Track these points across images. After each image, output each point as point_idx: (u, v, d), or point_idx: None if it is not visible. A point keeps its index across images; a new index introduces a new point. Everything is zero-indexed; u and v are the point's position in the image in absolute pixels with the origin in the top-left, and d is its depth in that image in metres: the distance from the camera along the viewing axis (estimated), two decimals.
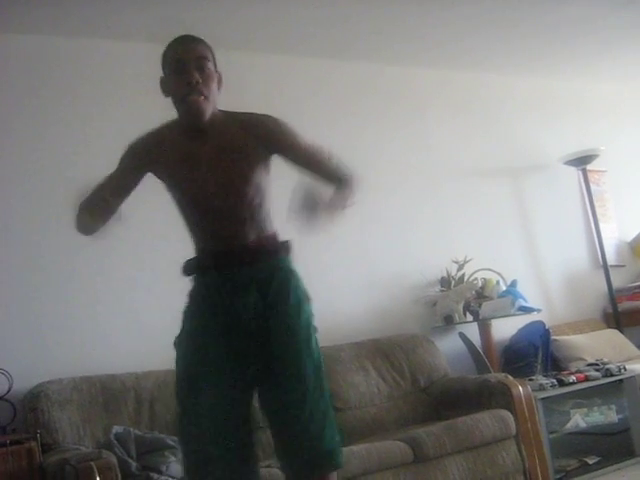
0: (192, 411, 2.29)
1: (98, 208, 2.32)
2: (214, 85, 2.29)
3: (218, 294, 2.31)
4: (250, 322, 2.28)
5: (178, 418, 2.37)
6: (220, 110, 2.34)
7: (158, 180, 2.41)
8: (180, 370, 2.38)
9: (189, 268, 2.42)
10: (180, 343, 2.42)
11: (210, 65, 2.29)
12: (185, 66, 2.25)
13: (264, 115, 2.35)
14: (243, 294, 2.28)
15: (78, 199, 2.33)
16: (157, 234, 4.20)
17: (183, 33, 2.35)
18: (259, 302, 2.28)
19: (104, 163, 4.18)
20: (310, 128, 5.09)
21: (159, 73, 4.63)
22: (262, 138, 2.30)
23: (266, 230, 2.36)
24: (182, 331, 2.43)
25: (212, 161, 2.27)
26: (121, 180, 2.38)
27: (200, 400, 2.28)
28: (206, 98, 2.25)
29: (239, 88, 4.76)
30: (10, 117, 4.06)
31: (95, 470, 2.93)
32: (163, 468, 3.35)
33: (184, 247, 3.92)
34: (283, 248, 2.38)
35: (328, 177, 2.39)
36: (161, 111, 4.42)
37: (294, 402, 2.26)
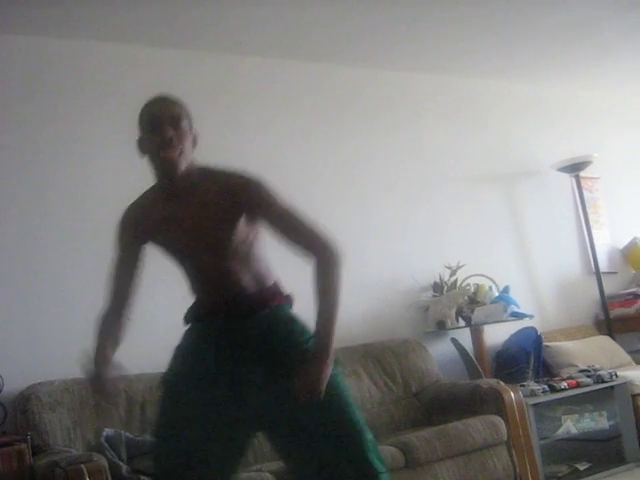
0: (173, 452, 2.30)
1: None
2: (188, 143, 2.29)
3: (215, 343, 2.32)
4: (251, 369, 2.27)
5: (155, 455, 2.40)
6: (198, 167, 2.33)
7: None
8: (168, 410, 2.39)
9: (189, 316, 2.44)
10: (172, 382, 2.42)
11: (184, 124, 2.29)
12: (160, 123, 2.25)
13: (243, 178, 2.30)
14: (240, 344, 2.29)
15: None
16: None
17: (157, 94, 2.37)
18: (258, 351, 2.28)
19: (101, 164, 4.23)
20: (304, 132, 5.13)
21: (159, 75, 4.65)
22: (238, 197, 2.27)
23: (263, 282, 2.36)
24: (173, 369, 2.44)
25: (188, 220, 2.28)
26: (129, 265, 2.43)
27: (187, 445, 2.27)
28: (180, 153, 2.25)
29: (234, 91, 4.79)
30: (7, 117, 4.06)
31: (85, 473, 2.93)
32: None
33: None
34: (282, 298, 2.38)
35: (305, 247, 2.31)
36: None
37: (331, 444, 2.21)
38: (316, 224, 2.33)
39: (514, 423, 4.13)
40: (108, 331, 2.47)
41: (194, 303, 2.43)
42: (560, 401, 4.63)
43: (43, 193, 4.07)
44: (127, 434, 3.52)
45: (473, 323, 4.99)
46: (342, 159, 5.09)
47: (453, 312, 5.01)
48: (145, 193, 2.42)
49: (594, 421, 4.72)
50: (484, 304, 5.07)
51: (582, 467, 4.57)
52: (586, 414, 4.72)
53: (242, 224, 2.29)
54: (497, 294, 5.18)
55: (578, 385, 4.64)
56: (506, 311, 4.99)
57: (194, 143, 2.34)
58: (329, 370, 2.18)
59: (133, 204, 2.44)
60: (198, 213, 2.28)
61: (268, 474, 3.19)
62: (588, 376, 4.75)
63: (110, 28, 4.26)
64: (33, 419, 3.50)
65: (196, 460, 2.25)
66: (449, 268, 5.16)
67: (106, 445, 3.39)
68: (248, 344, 2.28)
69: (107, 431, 3.49)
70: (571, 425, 4.64)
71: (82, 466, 2.96)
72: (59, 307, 3.98)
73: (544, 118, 6.20)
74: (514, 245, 5.81)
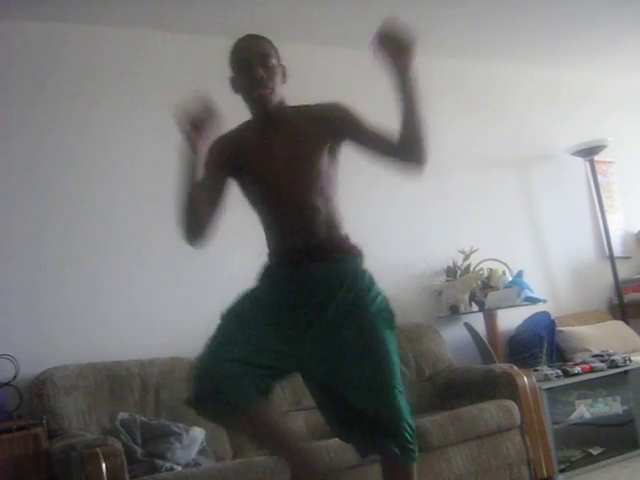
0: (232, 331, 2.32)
1: (192, 204, 2.38)
2: (278, 79, 2.47)
3: (289, 286, 2.39)
4: (312, 315, 2.35)
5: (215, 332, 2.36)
6: (289, 106, 2.51)
7: (236, 182, 2.52)
8: (236, 306, 2.39)
9: (264, 272, 2.49)
10: (242, 296, 2.43)
11: (273, 60, 2.46)
12: (250, 64, 2.42)
13: (331, 103, 2.50)
14: (314, 287, 2.37)
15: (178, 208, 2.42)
16: (164, 220, 4.22)
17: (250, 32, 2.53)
18: (330, 296, 2.36)
19: (110, 153, 4.24)
20: None
21: (170, 60, 4.62)
22: (332, 124, 2.46)
23: (338, 230, 2.48)
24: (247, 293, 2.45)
25: (282, 148, 2.42)
26: (208, 182, 2.42)
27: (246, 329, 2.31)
28: (271, 91, 2.43)
29: None
30: (14, 108, 4.08)
31: (101, 456, 2.94)
32: (168, 455, 3.37)
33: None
34: (355, 249, 2.49)
35: (392, 148, 2.43)
36: (169, 98, 4.44)
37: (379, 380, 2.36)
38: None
39: (527, 408, 4.13)
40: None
41: (267, 261, 2.49)
42: (573, 386, 4.62)
43: (52, 181, 4.08)
44: (142, 418, 3.54)
45: (486, 308, 4.99)
46: None
47: (466, 297, 5.01)
48: (239, 126, 2.55)
49: (607, 406, 4.71)
50: (497, 289, 5.06)
51: (595, 452, 4.56)
52: (599, 399, 4.72)
53: (326, 154, 2.44)
54: (511, 279, 5.17)
55: (592, 370, 4.63)
56: (519, 296, 4.99)
57: (284, 78, 2.52)
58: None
59: (225, 133, 2.52)
60: (287, 141, 2.43)
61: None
62: (602, 361, 4.74)
63: (124, 13, 4.26)
64: (48, 403, 3.52)
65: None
66: (462, 252, 5.15)
67: (121, 429, 3.41)
68: (314, 290, 2.36)
69: (122, 415, 3.51)
70: (584, 410, 4.63)
71: (98, 449, 2.97)
72: (74, 292, 4.00)
73: (559, 102, 6.16)
74: (528, 229, 5.79)
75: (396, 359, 2.42)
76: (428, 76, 5.45)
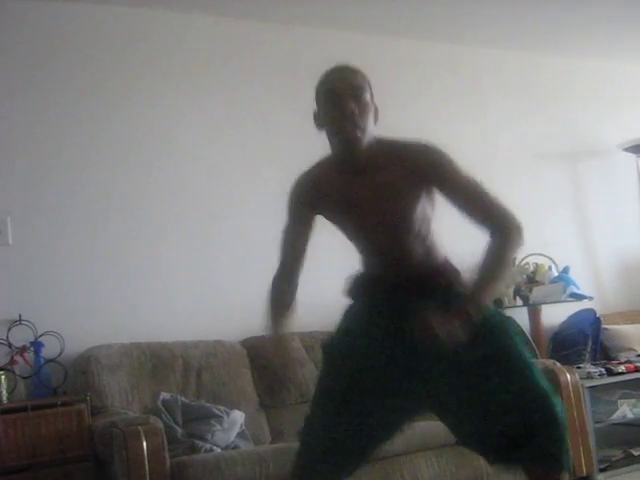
0: (325, 421, 2.24)
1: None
2: (370, 117, 2.17)
3: (385, 321, 2.23)
4: (422, 353, 2.14)
5: (307, 421, 2.29)
6: (377, 141, 2.22)
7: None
8: (330, 377, 2.29)
9: (357, 290, 2.36)
10: (332, 354, 2.34)
11: (366, 96, 2.16)
12: (340, 96, 2.12)
13: (422, 145, 2.24)
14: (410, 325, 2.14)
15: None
16: (209, 206, 4.25)
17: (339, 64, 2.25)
18: None
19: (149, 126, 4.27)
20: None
21: (217, 45, 4.58)
22: (420, 171, 2.21)
23: (435, 257, 2.36)
24: (336, 341, 2.35)
25: (370, 200, 2.19)
26: (298, 233, 2.35)
27: (342, 414, 2.21)
28: (362, 130, 2.13)
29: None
30: (63, 81, 4.13)
31: (142, 434, 2.98)
32: (208, 436, 3.41)
33: (234, 216, 3.98)
34: (456, 274, 2.35)
35: (483, 220, 2.30)
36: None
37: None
38: (498, 197, 2.32)
39: (569, 405, 4.08)
40: (279, 299, 2.36)
41: (361, 278, 2.36)
42: (617, 385, 4.57)
43: (115, 171, 4.14)
44: (183, 399, 3.58)
45: (531, 302, 4.94)
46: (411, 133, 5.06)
47: (511, 291, 4.96)
48: (320, 163, 2.31)
49: None
50: (543, 284, 5.01)
51: (636, 452, 4.52)
52: None
53: (421, 199, 2.25)
54: (556, 274, 5.11)
55: (636, 369, 4.57)
56: (565, 292, 4.93)
57: (376, 117, 2.22)
58: (465, 321, 2.09)
59: (308, 174, 2.32)
60: (375, 192, 2.19)
61: None
62: None
63: None
64: (92, 380, 3.58)
65: (341, 433, 2.20)
66: None
67: (162, 408, 3.45)
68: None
69: (164, 395, 3.56)
70: (627, 410, 4.58)
71: (139, 428, 3.01)
72: (120, 272, 4.05)
73: (611, 97, 6.05)
74: (575, 225, 5.71)
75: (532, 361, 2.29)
76: (478, 67, 5.48)
